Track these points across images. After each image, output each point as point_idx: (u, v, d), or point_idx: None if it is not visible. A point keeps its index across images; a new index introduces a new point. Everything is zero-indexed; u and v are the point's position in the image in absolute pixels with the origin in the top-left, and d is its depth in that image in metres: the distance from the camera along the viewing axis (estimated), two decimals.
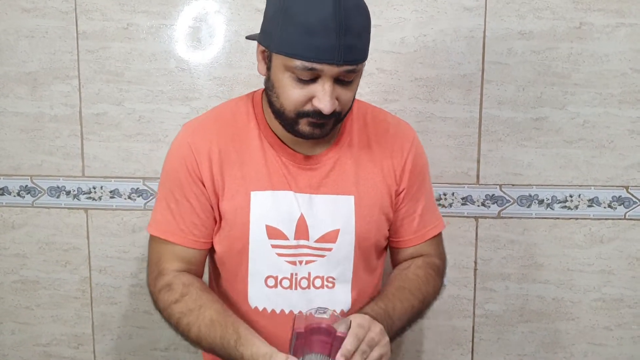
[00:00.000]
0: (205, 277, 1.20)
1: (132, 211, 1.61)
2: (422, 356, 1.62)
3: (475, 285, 1.58)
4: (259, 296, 1.12)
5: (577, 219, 1.53)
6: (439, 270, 1.19)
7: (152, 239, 1.15)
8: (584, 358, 1.58)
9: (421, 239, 1.19)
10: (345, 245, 1.11)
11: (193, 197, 1.10)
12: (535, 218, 1.53)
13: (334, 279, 1.12)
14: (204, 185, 1.10)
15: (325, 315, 0.96)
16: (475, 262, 1.57)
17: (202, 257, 1.15)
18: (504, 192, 1.53)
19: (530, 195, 1.53)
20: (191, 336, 1.04)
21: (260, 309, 1.13)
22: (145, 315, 1.66)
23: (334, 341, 0.94)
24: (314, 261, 1.11)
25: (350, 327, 0.95)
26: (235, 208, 1.09)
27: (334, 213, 1.10)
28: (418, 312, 1.12)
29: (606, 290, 1.55)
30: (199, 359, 1.64)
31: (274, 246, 1.10)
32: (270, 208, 1.09)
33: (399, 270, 1.17)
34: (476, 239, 1.56)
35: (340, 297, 1.13)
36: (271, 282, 1.11)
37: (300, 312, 1.01)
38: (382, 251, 1.21)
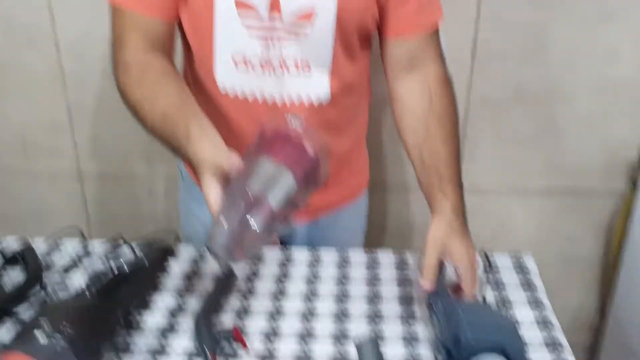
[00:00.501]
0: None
1: None
2: None
3: (472, 66, 1.49)
4: (228, 79, 1.03)
5: None
6: (451, 79, 1.08)
7: (114, 11, 1.00)
8: (576, 140, 1.56)
9: (421, 28, 1.04)
10: (324, 25, 0.98)
11: None
12: None
13: (309, 63, 1.01)
14: None
15: (296, 125, 0.84)
16: (474, 42, 1.46)
17: (167, 32, 1.01)
18: None
19: None
20: (147, 127, 0.94)
21: (231, 94, 1.04)
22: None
23: (298, 155, 0.83)
24: (287, 41, 0.99)
25: (321, 147, 0.84)
26: None
27: None
28: (459, 151, 1.05)
29: (609, 73, 1.47)
30: None
31: (242, 17, 0.97)
32: None
33: (424, 110, 1.04)
34: (477, 17, 1.43)
35: (317, 85, 1.03)
36: (240, 62, 1.01)
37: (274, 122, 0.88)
38: (367, 41, 1.07)
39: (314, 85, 1.03)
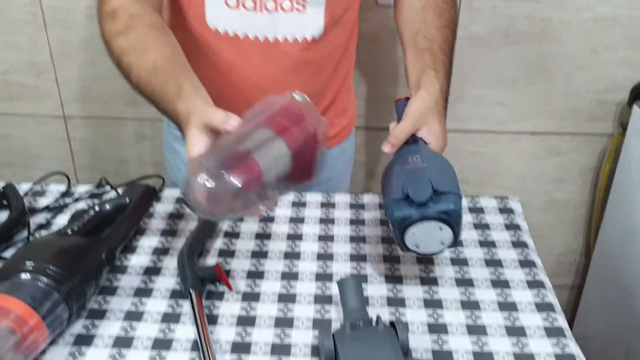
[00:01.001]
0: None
1: None
2: (398, 82, 1.57)
3: (460, 4, 1.46)
4: (219, 18, 1.00)
5: None
6: None
7: None
8: (565, 81, 1.54)
9: None
10: None
11: None
12: None
13: (305, 0, 0.99)
14: None
15: (298, 98, 0.81)
16: None
17: None
18: None
19: None
20: (131, 78, 0.90)
21: (222, 31, 1.01)
22: None
23: (297, 130, 0.79)
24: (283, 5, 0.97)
25: (322, 130, 0.81)
26: None
27: None
28: (453, 47, 1.02)
29: (600, 9, 1.45)
30: None
31: None
32: None
33: (424, 2, 1.02)
34: None
35: (311, 22, 1.01)
36: (232, 1, 0.98)
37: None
38: None
39: (308, 22, 1.01)
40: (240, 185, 0.71)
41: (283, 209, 1.07)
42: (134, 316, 0.85)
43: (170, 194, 1.11)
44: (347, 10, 1.07)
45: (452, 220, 0.81)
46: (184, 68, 0.88)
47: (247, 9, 0.99)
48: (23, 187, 1.11)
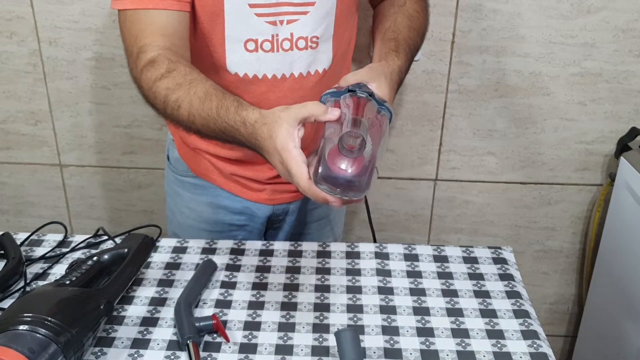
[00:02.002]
0: None
1: None
2: (390, 132, 1.60)
3: (451, 59, 1.50)
4: (238, 62, 1.04)
5: None
6: (428, 2, 1.15)
7: (124, 15, 0.97)
8: (554, 133, 1.58)
9: None
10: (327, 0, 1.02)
11: None
12: None
13: (318, 38, 1.04)
14: None
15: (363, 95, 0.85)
16: (454, 34, 1.48)
17: (186, 25, 0.99)
18: None
19: None
20: (181, 113, 0.89)
21: (241, 74, 1.05)
22: (104, 90, 1.57)
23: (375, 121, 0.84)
24: (296, 20, 1.01)
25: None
26: None
27: None
28: (417, 49, 1.08)
29: (586, 65, 1.49)
30: (162, 135, 1.61)
31: (252, 5, 0.99)
32: None
33: (397, 7, 1.09)
34: (457, 9, 1.45)
35: (322, 57, 1.07)
36: (251, 45, 1.02)
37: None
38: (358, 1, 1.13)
39: (320, 57, 1.07)
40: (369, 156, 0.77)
41: (279, 258, 1.08)
42: None
43: (167, 244, 1.12)
44: (349, 42, 1.15)
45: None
46: (233, 95, 0.90)
47: (265, 50, 1.03)
48: (19, 237, 1.11)
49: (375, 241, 1.16)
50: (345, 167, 0.77)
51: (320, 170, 0.77)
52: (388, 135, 0.86)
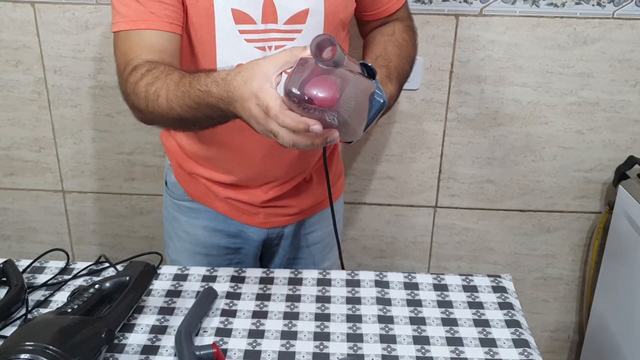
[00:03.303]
0: None
1: (83, 5, 1.47)
2: (390, 159, 1.61)
3: (449, 88, 1.53)
4: None
5: (562, 17, 1.44)
6: (416, 32, 1.18)
7: (118, 37, 1.00)
8: (552, 161, 1.59)
9: (399, 4, 1.15)
10: (315, 26, 1.04)
11: None
12: (519, 16, 1.44)
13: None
14: None
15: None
16: (452, 64, 1.50)
17: (176, 45, 1.01)
18: None
19: None
20: (160, 102, 0.89)
21: None
22: (107, 118, 1.59)
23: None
24: (283, 46, 1.03)
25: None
26: None
27: None
28: (407, 77, 1.11)
29: (583, 94, 1.51)
30: (164, 162, 1.61)
31: (241, 32, 1.01)
32: None
33: (387, 37, 1.13)
34: (455, 39, 1.47)
35: None
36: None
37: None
38: (347, 26, 1.15)
39: None
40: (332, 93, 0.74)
41: (279, 286, 1.09)
42: None
43: (168, 271, 1.12)
44: None
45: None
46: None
47: None
48: (22, 264, 1.12)
49: (343, 268, 1.17)
50: (315, 79, 0.74)
51: (288, 81, 0.75)
52: (366, 98, 0.84)
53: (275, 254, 1.30)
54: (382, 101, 0.88)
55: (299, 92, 0.75)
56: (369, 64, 0.87)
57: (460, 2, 1.43)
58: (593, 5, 1.42)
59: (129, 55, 0.98)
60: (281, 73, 0.80)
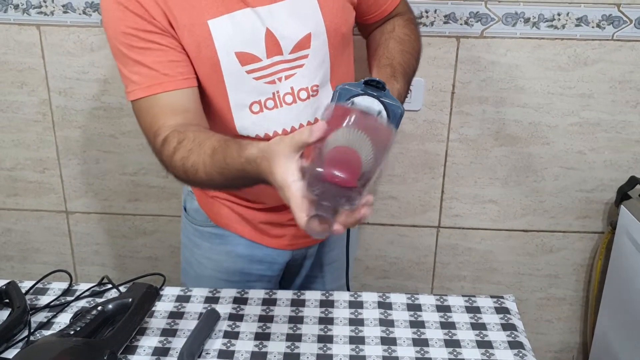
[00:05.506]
0: None
1: (88, 28, 1.49)
2: (393, 179, 1.62)
3: (451, 109, 1.53)
4: (247, 126, 1.06)
5: (562, 39, 1.45)
6: (417, 23, 1.18)
7: (137, 104, 1.01)
8: (554, 181, 1.59)
9: (396, 2, 1.15)
10: (320, 46, 1.04)
11: (157, 37, 0.98)
12: (520, 38, 1.45)
13: (318, 86, 1.06)
14: (159, 22, 0.98)
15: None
16: (454, 85, 1.51)
17: (195, 97, 1.02)
18: (489, 9, 1.43)
19: (516, 13, 1.43)
20: (200, 176, 0.91)
21: (253, 135, 1.07)
22: (111, 139, 1.61)
23: (372, 124, 0.81)
24: (293, 75, 1.04)
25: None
26: (198, 43, 0.99)
27: (300, 17, 1.02)
28: (414, 70, 1.11)
29: (584, 115, 1.52)
30: (168, 183, 1.63)
31: (249, 72, 1.02)
32: (233, 33, 0.99)
33: (387, 34, 1.13)
34: (456, 61, 1.49)
35: (324, 102, 1.08)
36: (256, 107, 1.05)
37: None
38: (350, 37, 1.15)
39: (323, 102, 1.08)
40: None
41: (282, 308, 1.09)
42: None
43: (170, 292, 1.12)
44: (347, 73, 1.16)
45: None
46: (235, 140, 0.91)
47: (269, 108, 1.05)
48: (25, 285, 1.12)
49: (348, 289, 1.17)
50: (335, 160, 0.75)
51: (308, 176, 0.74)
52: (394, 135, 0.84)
53: (296, 275, 1.30)
54: (399, 112, 0.89)
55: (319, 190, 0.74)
56: (376, 79, 0.88)
57: (461, 24, 1.45)
58: (593, 27, 1.43)
59: (154, 125, 0.99)
60: (302, 153, 0.79)
